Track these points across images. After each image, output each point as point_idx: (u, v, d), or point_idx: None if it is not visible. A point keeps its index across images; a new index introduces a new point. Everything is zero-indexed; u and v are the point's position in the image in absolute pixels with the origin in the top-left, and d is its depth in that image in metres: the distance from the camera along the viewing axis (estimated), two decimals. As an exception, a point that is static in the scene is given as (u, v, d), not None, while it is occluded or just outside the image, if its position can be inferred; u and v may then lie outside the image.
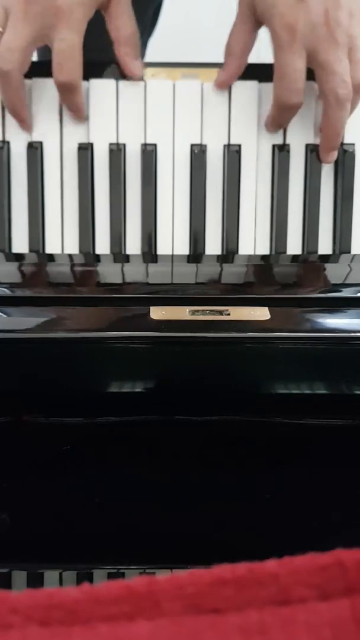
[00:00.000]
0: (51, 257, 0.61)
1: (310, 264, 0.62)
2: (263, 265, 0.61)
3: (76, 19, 0.56)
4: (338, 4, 0.55)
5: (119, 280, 0.57)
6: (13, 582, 0.39)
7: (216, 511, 0.44)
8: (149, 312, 0.48)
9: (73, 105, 0.60)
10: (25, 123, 0.61)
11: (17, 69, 0.57)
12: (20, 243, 0.63)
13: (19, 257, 0.61)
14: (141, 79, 0.61)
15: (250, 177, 0.63)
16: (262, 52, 0.62)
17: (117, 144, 0.62)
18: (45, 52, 0.76)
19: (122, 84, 0.62)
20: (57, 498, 0.45)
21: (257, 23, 0.58)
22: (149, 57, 0.95)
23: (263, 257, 0.62)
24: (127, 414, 0.50)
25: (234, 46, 0.60)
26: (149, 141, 0.62)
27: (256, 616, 0.23)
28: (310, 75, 0.57)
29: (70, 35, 0.56)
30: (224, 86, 0.61)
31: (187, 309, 0.49)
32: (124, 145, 0.62)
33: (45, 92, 0.61)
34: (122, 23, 0.60)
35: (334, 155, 0.62)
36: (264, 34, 0.58)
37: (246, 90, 0.62)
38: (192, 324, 0.48)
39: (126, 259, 0.61)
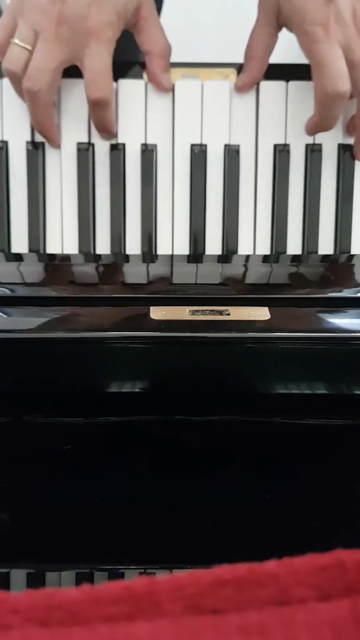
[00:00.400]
0: (51, 257, 0.61)
1: (310, 264, 0.62)
2: (263, 265, 0.61)
3: (107, 38, 0.57)
4: None
5: (119, 280, 0.57)
6: (13, 582, 0.39)
7: (216, 511, 0.44)
8: (149, 312, 0.48)
9: (104, 121, 0.60)
10: (54, 142, 0.62)
11: (45, 89, 0.57)
12: (20, 243, 0.63)
13: (19, 257, 0.61)
14: (170, 90, 0.62)
15: (250, 177, 0.63)
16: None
17: (117, 144, 0.62)
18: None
19: (122, 84, 0.62)
20: (57, 498, 0.45)
21: (279, 26, 0.59)
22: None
23: (263, 257, 0.62)
24: (127, 414, 0.50)
25: (256, 49, 0.60)
26: (149, 141, 0.62)
27: (256, 616, 0.23)
28: (309, 75, 0.57)
29: (102, 53, 0.57)
30: (246, 89, 0.61)
31: (187, 309, 0.49)
32: (124, 145, 0.62)
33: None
34: (154, 37, 0.60)
35: None
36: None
37: (246, 90, 0.61)
38: (192, 324, 0.48)
39: (126, 258, 0.61)
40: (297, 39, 0.57)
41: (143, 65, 0.63)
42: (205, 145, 0.62)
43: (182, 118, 0.62)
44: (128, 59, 0.64)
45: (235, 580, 0.23)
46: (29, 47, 0.57)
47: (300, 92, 0.61)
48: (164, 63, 0.61)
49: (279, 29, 0.59)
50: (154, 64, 0.61)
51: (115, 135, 0.62)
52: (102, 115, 0.60)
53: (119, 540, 0.41)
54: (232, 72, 0.62)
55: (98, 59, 0.57)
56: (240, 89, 0.61)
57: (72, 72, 0.61)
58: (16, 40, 0.57)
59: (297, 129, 0.62)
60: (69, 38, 0.56)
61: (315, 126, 0.60)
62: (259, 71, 0.61)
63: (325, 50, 0.55)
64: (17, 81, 0.59)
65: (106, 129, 0.61)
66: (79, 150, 0.62)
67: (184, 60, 0.62)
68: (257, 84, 0.62)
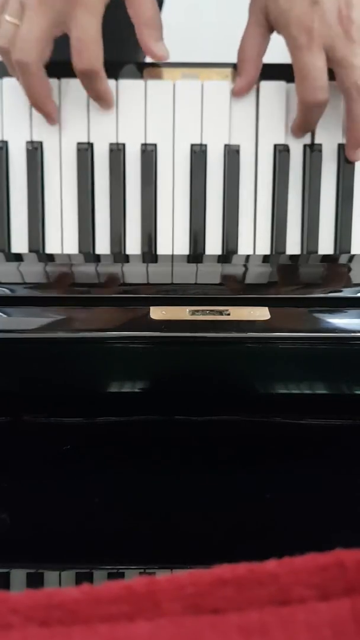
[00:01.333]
0: (51, 257, 0.61)
1: (310, 264, 0.61)
2: (263, 265, 0.61)
3: (94, 5, 0.55)
4: (350, 3, 0.55)
5: (119, 280, 0.57)
6: (13, 582, 0.39)
7: (216, 511, 0.44)
8: (149, 312, 0.48)
9: (97, 93, 0.59)
10: (51, 117, 0.61)
11: (36, 60, 0.56)
12: (20, 243, 0.63)
13: (19, 257, 0.61)
14: (166, 58, 0.60)
15: (250, 177, 0.63)
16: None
17: (117, 144, 0.62)
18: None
19: (122, 84, 0.62)
20: (57, 498, 0.45)
21: (270, 28, 0.59)
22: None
23: (263, 257, 0.62)
24: (127, 414, 0.50)
25: (249, 51, 0.60)
26: (149, 141, 0.62)
27: (256, 616, 0.23)
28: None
29: (89, 21, 0.55)
30: (244, 93, 0.61)
31: (187, 309, 0.49)
32: (124, 145, 0.62)
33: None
34: (141, 6, 0.59)
35: None
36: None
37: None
38: (192, 324, 0.48)
39: (126, 259, 0.61)
40: (285, 41, 0.57)
41: (143, 66, 0.62)
42: (205, 145, 0.62)
43: (182, 118, 0.62)
44: (128, 59, 0.64)
45: (235, 580, 0.23)
46: (17, 22, 0.56)
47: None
48: (155, 32, 0.59)
49: (271, 30, 0.59)
50: (144, 34, 0.59)
51: (112, 106, 0.61)
52: (92, 86, 0.59)
53: (119, 540, 0.41)
54: (232, 72, 0.62)
55: (84, 28, 0.56)
56: (238, 92, 0.61)
57: (73, 72, 0.61)
58: (6, 16, 0.56)
59: (297, 129, 0.62)
60: (55, 5, 0.55)
61: (297, 128, 0.61)
62: (255, 72, 0.61)
63: (306, 58, 0.56)
64: (8, 58, 0.58)
65: (101, 99, 0.60)
66: (79, 150, 0.62)
67: (184, 60, 0.62)
68: (257, 84, 0.62)
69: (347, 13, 0.55)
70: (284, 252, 0.63)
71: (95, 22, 0.56)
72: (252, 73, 0.61)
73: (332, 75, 0.58)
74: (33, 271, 0.58)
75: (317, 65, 0.56)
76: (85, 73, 0.57)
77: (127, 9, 0.59)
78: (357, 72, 0.56)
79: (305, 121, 0.60)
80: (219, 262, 0.61)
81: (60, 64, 0.61)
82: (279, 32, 0.58)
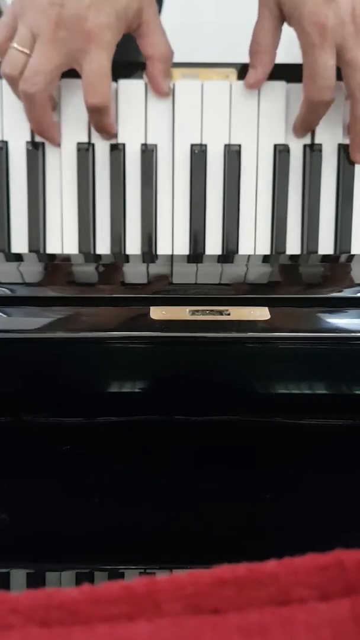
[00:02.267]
0: (51, 257, 0.61)
1: (310, 264, 0.62)
2: (263, 265, 0.61)
3: (106, 42, 0.56)
4: None
5: (119, 280, 0.57)
6: (13, 582, 0.39)
7: (216, 511, 0.44)
8: (149, 312, 0.48)
9: (103, 126, 0.60)
10: (54, 142, 0.62)
11: (41, 91, 0.57)
12: (20, 243, 0.63)
13: (19, 257, 0.61)
14: (169, 96, 0.61)
15: (250, 177, 0.63)
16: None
17: (117, 144, 0.62)
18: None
19: (122, 84, 0.62)
20: (57, 498, 0.45)
21: (282, 19, 0.58)
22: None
23: (263, 257, 0.62)
24: (127, 414, 0.50)
25: (263, 42, 0.60)
26: (149, 141, 0.62)
27: (256, 616, 0.23)
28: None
29: (101, 57, 0.56)
30: (257, 85, 0.61)
31: (187, 309, 0.49)
32: (124, 145, 0.62)
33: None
34: (156, 42, 0.60)
35: None
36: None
37: (246, 90, 0.61)
38: (192, 324, 0.48)
39: (126, 259, 0.61)
40: (296, 35, 0.57)
41: (143, 66, 0.62)
42: (205, 145, 0.62)
43: (182, 118, 0.62)
44: (128, 59, 0.64)
45: (235, 580, 0.23)
46: (27, 51, 0.57)
47: (301, 92, 0.61)
48: (165, 68, 0.60)
49: (282, 23, 0.59)
50: (156, 69, 0.60)
51: (115, 136, 0.62)
52: (100, 120, 0.60)
53: (119, 540, 0.41)
54: (232, 72, 0.62)
55: (97, 63, 0.56)
56: (254, 85, 0.61)
57: (72, 72, 0.61)
58: (15, 45, 0.57)
59: (297, 129, 0.62)
60: (67, 41, 0.56)
61: (300, 127, 0.61)
62: (269, 64, 0.60)
63: (317, 56, 0.56)
64: (15, 84, 0.58)
65: (105, 132, 0.61)
66: (79, 150, 0.62)
67: (184, 60, 0.62)
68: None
69: None
70: (284, 252, 0.62)
71: (107, 59, 0.57)
72: (267, 65, 0.60)
73: (337, 74, 0.58)
74: (33, 271, 0.58)
75: (328, 64, 0.56)
76: (97, 107, 0.58)
77: (137, 41, 0.60)
78: None
79: (308, 119, 0.60)
80: (219, 262, 0.61)
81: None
82: (291, 25, 0.58)
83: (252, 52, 0.60)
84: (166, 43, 0.60)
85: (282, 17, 0.58)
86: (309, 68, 0.57)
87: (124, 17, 0.57)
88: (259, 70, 0.60)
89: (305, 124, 0.61)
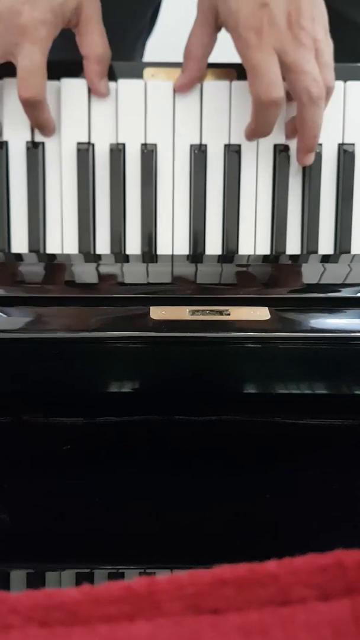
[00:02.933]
0: (51, 257, 0.61)
1: (310, 264, 0.61)
2: (263, 265, 0.61)
3: (40, 37, 0.56)
4: (300, 9, 0.55)
5: (119, 280, 0.57)
6: (13, 582, 0.39)
7: (216, 511, 0.44)
8: (149, 312, 0.48)
9: (39, 122, 0.60)
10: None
11: None
12: (20, 243, 0.63)
13: (19, 257, 0.61)
14: (106, 96, 0.61)
15: (250, 177, 0.63)
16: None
17: (117, 144, 0.62)
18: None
19: (121, 83, 0.62)
20: (57, 498, 0.45)
21: (217, 27, 0.58)
22: (149, 57, 0.95)
23: (263, 257, 0.62)
24: (127, 414, 0.50)
25: (194, 50, 0.60)
26: (149, 141, 0.62)
27: (256, 616, 0.23)
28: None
29: (34, 52, 0.56)
30: (185, 90, 0.61)
31: (187, 309, 0.49)
32: (124, 145, 0.62)
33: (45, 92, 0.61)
34: (93, 41, 0.59)
35: (312, 157, 0.61)
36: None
37: (246, 90, 0.61)
38: (192, 324, 0.48)
39: (126, 259, 0.61)
40: (234, 42, 0.57)
41: (143, 66, 0.62)
42: (205, 145, 0.62)
43: (182, 118, 0.62)
44: (128, 59, 0.64)
45: (235, 580, 0.23)
46: None
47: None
48: (101, 69, 0.60)
49: (218, 29, 0.59)
50: (90, 69, 0.60)
51: (53, 132, 0.61)
52: (35, 115, 0.59)
53: (119, 540, 0.41)
54: (232, 72, 0.62)
55: (29, 58, 0.56)
56: (179, 89, 0.61)
57: (72, 71, 0.61)
58: None
59: (297, 129, 0.62)
60: (3, 35, 0.56)
61: (252, 132, 0.60)
62: (198, 71, 0.60)
63: (258, 56, 0.55)
64: None
65: (43, 127, 0.61)
66: (79, 150, 0.62)
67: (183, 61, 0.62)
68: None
69: (297, 18, 0.55)
70: (284, 252, 0.62)
71: (40, 54, 0.57)
72: (194, 72, 0.60)
73: (341, 75, 0.58)
74: (33, 271, 0.58)
75: (270, 61, 0.55)
76: (29, 101, 0.58)
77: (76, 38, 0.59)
78: (309, 77, 0.55)
79: (260, 123, 0.58)
80: (219, 262, 0.61)
81: (60, 64, 0.61)
82: (228, 33, 0.57)
83: (184, 57, 0.61)
84: (103, 43, 0.60)
85: (217, 25, 0.58)
86: (251, 69, 0.56)
87: (61, 13, 0.56)
88: (187, 75, 0.60)
89: (259, 129, 0.59)
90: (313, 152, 0.60)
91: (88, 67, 0.60)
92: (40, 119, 0.60)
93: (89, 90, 0.61)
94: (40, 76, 0.57)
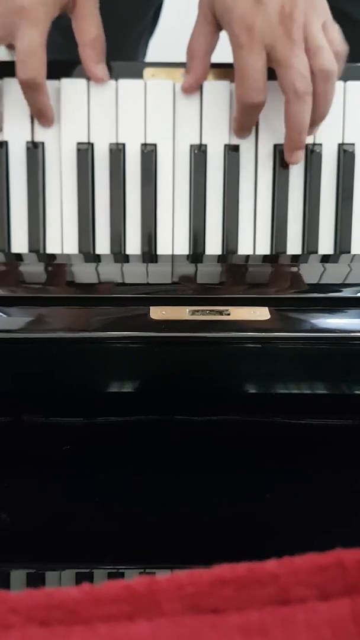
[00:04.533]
0: (51, 257, 0.61)
1: (310, 264, 0.61)
2: (263, 265, 0.61)
3: (39, 18, 0.56)
4: (294, 2, 0.55)
5: (119, 280, 0.57)
6: (13, 582, 0.39)
7: (216, 511, 0.44)
8: (148, 312, 0.48)
9: (37, 105, 0.59)
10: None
11: None
12: (20, 243, 0.63)
13: (19, 257, 0.61)
14: (104, 81, 0.61)
15: (250, 177, 0.62)
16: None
17: (117, 144, 0.62)
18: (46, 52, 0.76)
19: (122, 83, 0.62)
20: (57, 498, 0.45)
21: (218, 25, 0.59)
22: (149, 57, 0.95)
23: (263, 257, 0.62)
24: (127, 414, 0.50)
25: (197, 49, 0.60)
26: (149, 141, 0.62)
27: (256, 616, 0.23)
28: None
29: (33, 33, 0.56)
30: (193, 90, 0.61)
31: (187, 309, 0.49)
32: (124, 145, 0.62)
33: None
34: (86, 25, 0.59)
35: (300, 155, 0.60)
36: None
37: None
38: (192, 324, 0.48)
39: (126, 259, 0.61)
40: (229, 39, 0.57)
41: (143, 66, 0.62)
42: (205, 145, 0.62)
43: (182, 118, 0.62)
44: (128, 59, 0.64)
45: (235, 580, 0.23)
46: None
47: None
48: (95, 54, 0.60)
49: (219, 28, 0.59)
50: (84, 55, 0.59)
51: (52, 122, 0.61)
52: (34, 98, 0.59)
53: (119, 540, 0.41)
54: (232, 72, 0.62)
55: (28, 39, 0.56)
56: (186, 90, 0.61)
57: (72, 71, 0.61)
58: None
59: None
60: (2, 16, 0.56)
61: (237, 129, 0.61)
62: (202, 70, 0.60)
63: (246, 58, 0.55)
64: None
65: (42, 114, 0.60)
66: (79, 150, 0.62)
67: (184, 60, 0.62)
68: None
69: (290, 10, 0.55)
70: (284, 252, 0.62)
71: (38, 35, 0.56)
72: (199, 71, 0.60)
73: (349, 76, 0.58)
74: (33, 271, 0.58)
75: (257, 66, 0.56)
76: (27, 83, 0.58)
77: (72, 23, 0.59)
78: (294, 73, 0.55)
79: (242, 122, 0.60)
80: (219, 262, 0.61)
81: (60, 64, 0.61)
82: (224, 29, 0.58)
83: (187, 57, 0.61)
84: (96, 28, 0.60)
85: (217, 23, 0.58)
86: (239, 70, 0.56)
87: None
88: (192, 75, 0.60)
89: (240, 127, 0.60)
90: (301, 150, 0.60)
91: (82, 53, 0.60)
92: (38, 102, 0.59)
93: (89, 91, 0.61)
94: (40, 57, 0.57)
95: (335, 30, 0.58)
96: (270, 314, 0.48)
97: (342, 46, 0.58)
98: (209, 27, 0.59)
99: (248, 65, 0.56)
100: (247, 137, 0.61)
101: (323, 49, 0.56)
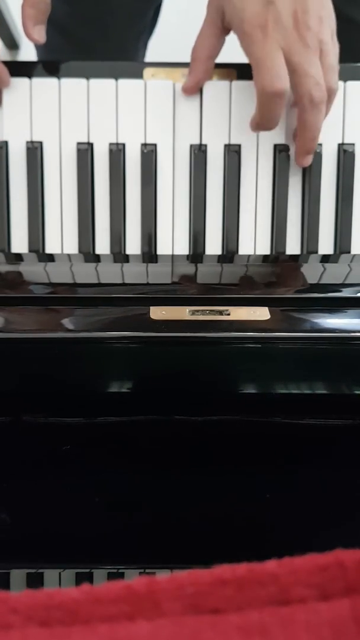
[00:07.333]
0: (51, 257, 0.61)
1: (310, 264, 0.61)
2: (263, 265, 0.61)
3: None
4: (307, 9, 0.54)
5: (119, 280, 0.57)
6: (13, 582, 0.39)
7: (216, 511, 0.44)
8: (149, 312, 0.48)
9: None
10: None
11: None
12: (19, 243, 0.63)
13: (19, 257, 0.61)
14: (38, 43, 0.59)
15: (250, 177, 0.63)
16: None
17: (117, 144, 0.62)
18: (45, 53, 0.77)
19: (122, 83, 0.62)
20: (56, 498, 0.45)
21: (225, 29, 0.58)
22: (149, 57, 0.95)
23: (263, 257, 0.62)
24: (127, 414, 0.50)
25: (201, 51, 0.60)
26: (149, 141, 0.62)
27: (256, 616, 0.23)
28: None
29: None
30: (193, 91, 0.61)
31: (187, 309, 0.49)
32: (124, 145, 0.62)
33: (45, 92, 0.61)
34: None
35: (310, 158, 0.61)
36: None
37: (246, 90, 0.61)
38: (192, 324, 0.48)
39: (126, 259, 0.61)
40: (239, 41, 0.56)
41: (143, 66, 0.62)
42: (205, 145, 0.62)
43: (182, 118, 0.62)
44: (128, 59, 0.64)
45: (235, 580, 0.23)
46: None
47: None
48: (35, 13, 0.58)
49: (226, 32, 0.59)
50: (24, 13, 0.58)
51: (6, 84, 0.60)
52: None
53: (119, 540, 0.41)
54: (232, 72, 0.62)
55: None
56: (186, 91, 0.61)
57: (72, 72, 0.61)
58: None
59: (297, 129, 0.62)
60: None
61: (257, 126, 0.59)
62: (204, 73, 0.60)
63: (263, 49, 0.54)
64: None
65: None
66: (78, 150, 0.62)
67: (184, 60, 0.62)
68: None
69: (304, 18, 0.54)
70: (284, 252, 0.62)
71: None
72: (200, 74, 0.60)
73: (341, 75, 0.57)
74: (33, 271, 0.58)
75: (274, 54, 0.54)
76: None
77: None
78: (312, 81, 0.55)
79: (265, 115, 0.58)
80: (219, 262, 0.61)
81: (60, 64, 0.61)
82: (234, 32, 0.57)
83: (191, 58, 0.60)
84: None
85: (224, 26, 0.58)
86: (256, 62, 0.55)
87: None
88: (193, 77, 0.60)
89: (263, 121, 0.58)
90: (312, 154, 0.61)
91: (23, 11, 0.58)
92: None
93: (89, 90, 0.61)
94: None
95: (336, 46, 0.57)
96: (270, 314, 0.48)
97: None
98: (216, 30, 0.59)
99: (265, 54, 0.54)
100: (271, 129, 0.59)
101: (334, 68, 0.56)
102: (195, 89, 0.61)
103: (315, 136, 0.58)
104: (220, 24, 0.58)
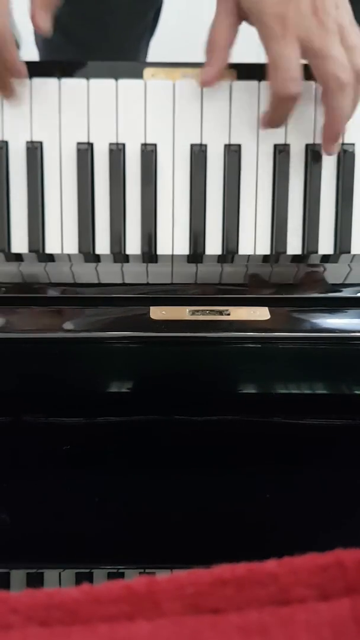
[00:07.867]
0: (51, 257, 0.61)
1: (310, 264, 0.62)
2: (263, 265, 0.61)
3: None
4: None
5: (119, 280, 0.57)
6: (13, 582, 0.39)
7: (216, 511, 0.44)
8: (149, 312, 0.48)
9: (4, 60, 0.57)
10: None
11: None
12: (19, 243, 0.63)
13: (19, 257, 0.61)
14: (43, 33, 0.58)
15: (250, 177, 0.62)
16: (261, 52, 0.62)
17: (117, 144, 0.62)
18: (46, 52, 0.77)
19: (122, 83, 0.62)
20: (56, 498, 0.45)
21: (240, 18, 0.58)
22: (149, 57, 0.95)
23: (263, 257, 0.62)
24: (127, 414, 0.50)
25: (219, 40, 0.59)
26: (149, 141, 0.62)
27: (256, 616, 0.23)
28: (308, 74, 0.57)
29: None
30: (214, 82, 0.60)
31: (187, 309, 0.49)
32: (124, 145, 0.62)
33: (45, 92, 0.61)
34: None
35: (338, 146, 0.60)
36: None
37: (246, 90, 0.61)
38: (192, 324, 0.48)
39: (126, 259, 0.61)
40: (257, 31, 0.56)
41: (143, 66, 0.62)
42: (205, 145, 0.62)
43: (182, 118, 0.62)
44: (129, 59, 0.63)
45: (235, 580, 0.23)
46: None
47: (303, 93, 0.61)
48: (44, 1, 0.57)
49: (240, 21, 0.58)
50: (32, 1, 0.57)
51: (25, 74, 0.59)
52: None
53: (119, 540, 0.41)
54: (232, 72, 0.62)
55: None
56: (207, 82, 0.60)
57: (72, 72, 0.61)
58: None
59: (297, 129, 0.62)
60: None
61: (268, 122, 0.60)
62: (222, 63, 0.59)
63: (280, 49, 0.55)
64: None
65: (10, 69, 0.58)
66: (78, 150, 0.62)
67: (184, 60, 0.62)
68: (258, 84, 0.61)
69: (322, 5, 0.55)
70: (284, 252, 0.62)
71: None
72: (220, 63, 0.59)
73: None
74: (33, 271, 0.58)
75: (291, 56, 0.55)
76: None
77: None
78: (337, 62, 0.55)
79: (275, 115, 0.58)
80: (219, 262, 0.61)
81: (60, 64, 0.61)
82: (251, 23, 0.57)
83: (207, 50, 0.60)
84: None
85: (240, 15, 0.58)
86: (273, 62, 0.55)
87: None
88: (213, 67, 0.59)
89: (274, 120, 0.59)
90: (338, 141, 0.60)
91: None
92: (3, 56, 0.57)
93: (89, 90, 0.61)
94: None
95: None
96: (270, 314, 0.48)
97: None
98: (231, 19, 0.58)
99: (282, 56, 0.55)
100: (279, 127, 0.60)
101: (358, 48, 0.56)
102: (216, 80, 0.60)
103: (342, 120, 0.58)
104: (235, 12, 0.57)
